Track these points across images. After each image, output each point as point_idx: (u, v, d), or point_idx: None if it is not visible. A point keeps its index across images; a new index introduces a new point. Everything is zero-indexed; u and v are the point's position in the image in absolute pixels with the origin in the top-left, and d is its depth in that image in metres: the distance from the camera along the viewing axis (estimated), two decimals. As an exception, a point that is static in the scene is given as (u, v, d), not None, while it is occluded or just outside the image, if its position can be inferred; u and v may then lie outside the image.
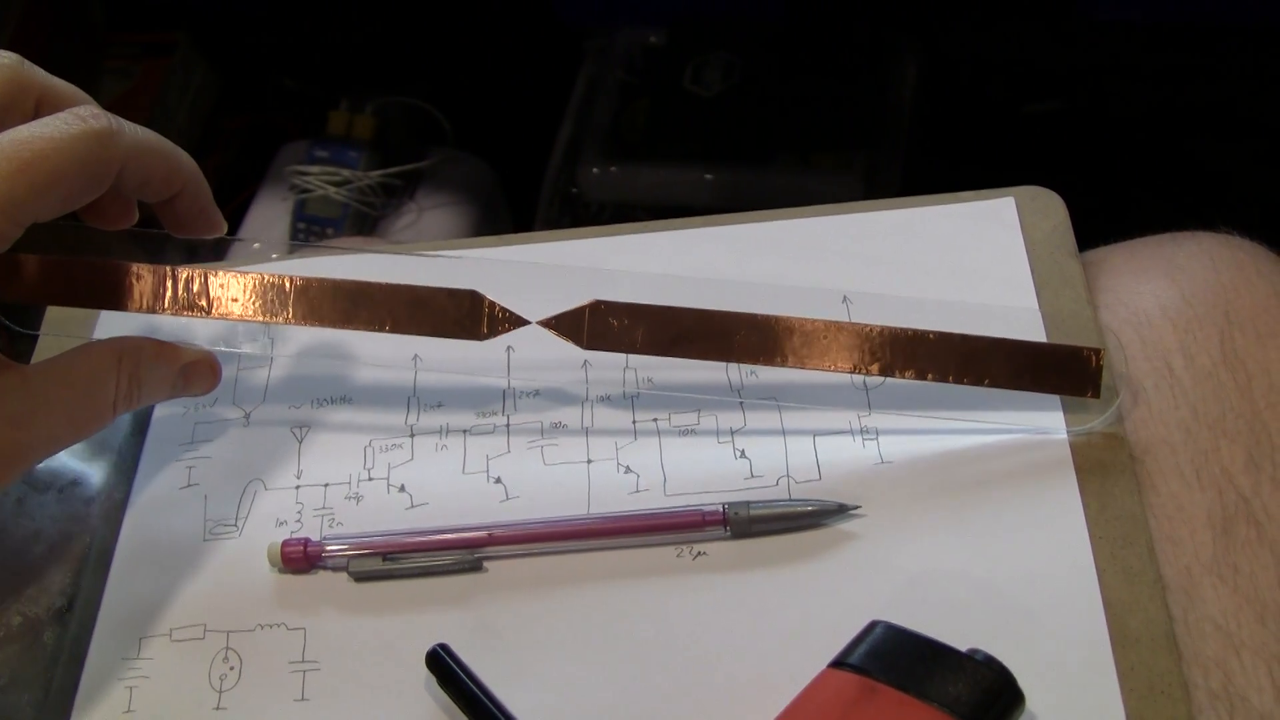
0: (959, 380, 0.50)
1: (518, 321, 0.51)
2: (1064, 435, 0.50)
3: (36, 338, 0.58)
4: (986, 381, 0.50)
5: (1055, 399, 0.50)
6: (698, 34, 1.32)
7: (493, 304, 0.51)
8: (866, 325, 0.50)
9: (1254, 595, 0.45)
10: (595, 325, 0.51)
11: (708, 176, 1.24)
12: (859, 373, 0.50)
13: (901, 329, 0.50)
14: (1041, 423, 0.50)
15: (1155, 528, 0.47)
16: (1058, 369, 0.50)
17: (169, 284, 0.51)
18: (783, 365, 0.50)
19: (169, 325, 0.55)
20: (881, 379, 0.52)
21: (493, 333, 0.51)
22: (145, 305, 0.51)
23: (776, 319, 0.50)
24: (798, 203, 0.59)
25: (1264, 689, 0.43)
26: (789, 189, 1.22)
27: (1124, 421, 0.50)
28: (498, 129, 1.45)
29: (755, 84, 1.28)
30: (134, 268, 0.51)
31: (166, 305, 0.51)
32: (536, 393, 0.55)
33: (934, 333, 0.50)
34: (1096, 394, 0.50)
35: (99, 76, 1.45)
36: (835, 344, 0.50)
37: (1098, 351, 0.50)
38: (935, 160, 1.30)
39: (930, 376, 0.50)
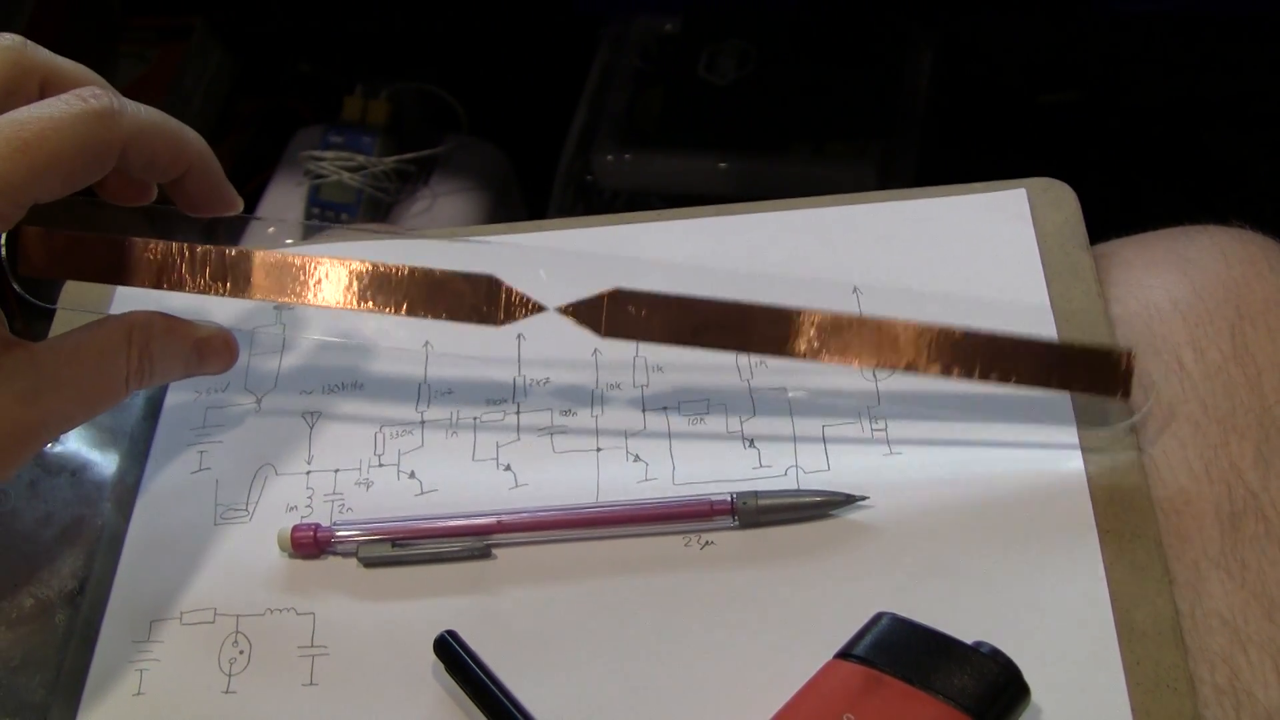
0: (985, 376, 0.49)
1: (535, 308, 0.51)
2: (1077, 449, 0.49)
3: (54, 312, 0.58)
4: (1013, 379, 0.49)
5: (1069, 414, 0.50)
6: (712, 22, 1.32)
7: (510, 289, 0.51)
8: (891, 321, 0.49)
9: (1261, 590, 0.45)
10: (614, 314, 0.50)
11: (722, 165, 1.24)
12: (883, 368, 0.50)
13: (927, 325, 0.49)
14: (1055, 436, 0.50)
15: (1163, 522, 0.47)
16: (1087, 367, 0.49)
17: (183, 261, 0.51)
18: (803, 359, 0.50)
19: (186, 303, 0.54)
20: (892, 375, 0.52)
21: (510, 318, 0.51)
22: (159, 281, 0.51)
23: (798, 311, 0.50)
24: (811, 191, 0.59)
25: (1270, 684, 0.43)
26: (803, 178, 1.22)
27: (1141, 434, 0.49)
28: (512, 116, 1.45)
29: (770, 72, 1.28)
30: (149, 244, 0.51)
31: (182, 282, 0.51)
32: (546, 381, 0.55)
33: (960, 330, 0.49)
34: (1127, 395, 0.49)
35: (115, 60, 1.45)
36: (858, 339, 0.49)
37: (1129, 353, 0.49)
38: (949, 149, 1.29)
39: (956, 372, 0.49)
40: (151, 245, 0.51)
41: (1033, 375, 0.49)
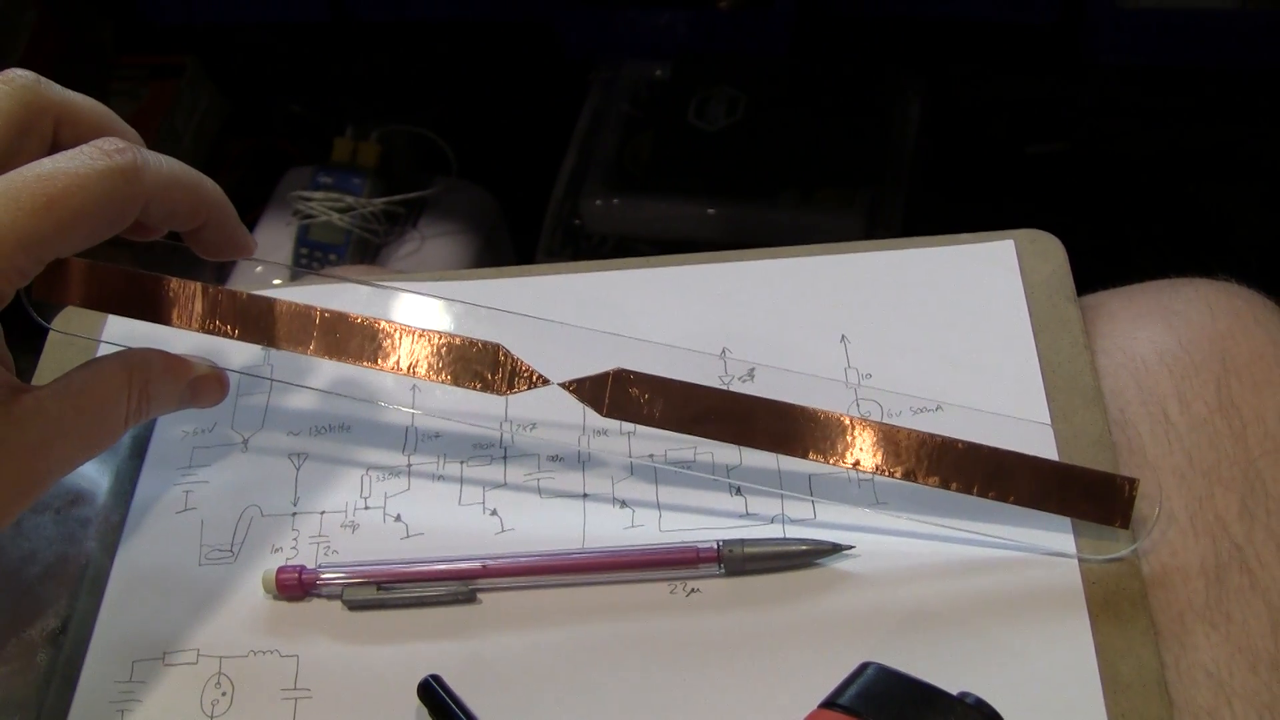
0: (983, 494, 0.49)
1: (540, 380, 0.50)
2: (1075, 561, 0.48)
3: (47, 331, 0.58)
4: (1011, 499, 0.48)
5: (1067, 520, 0.49)
6: (702, 69, 1.33)
7: (517, 360, 0.50)
8: (894, 427, 0.49)
9: (1246, 644, 0.45)
10: (616, 394, 0.50)
11: (710, 211, 1.25)
12: (880, 474, 0.49)
13: (930, 435, 0.49)
14: (1053, 544, 0.49)
15: (1148, 574, 0.47)
16: (1088, 494, 0.48)
17: (199, 301, 0.50)
18: (802, 457, 0.49)
19: (177, 337, 0.52)
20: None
21: (513, 389, 0.50)
22: (181, 321, 0.49)
23: (801, 409, 0.49)
24: (800, 238, 0.59)
25: (1255, 738, 0.43)
26: (791, 225, 1.22)
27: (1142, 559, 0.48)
28: (501, 159, 1.45)
29: (759, 119, 1.29)
30: (169, 281, 0.50)
31: (197, 322, 0.50)
32: (534, 426, 0.55)
33: (962, 442, 0.49)
34: (1126, 524, 0.48)
35: (107, 98, 1.45)
36: (860, 442, 0.49)
37: (1133, 481, 0.48)
38: (937, 199, 1.30)
39: (954, 486, 0.49)
40: (173, 282, 0.50)
41: (1032, 497, 0.49)
